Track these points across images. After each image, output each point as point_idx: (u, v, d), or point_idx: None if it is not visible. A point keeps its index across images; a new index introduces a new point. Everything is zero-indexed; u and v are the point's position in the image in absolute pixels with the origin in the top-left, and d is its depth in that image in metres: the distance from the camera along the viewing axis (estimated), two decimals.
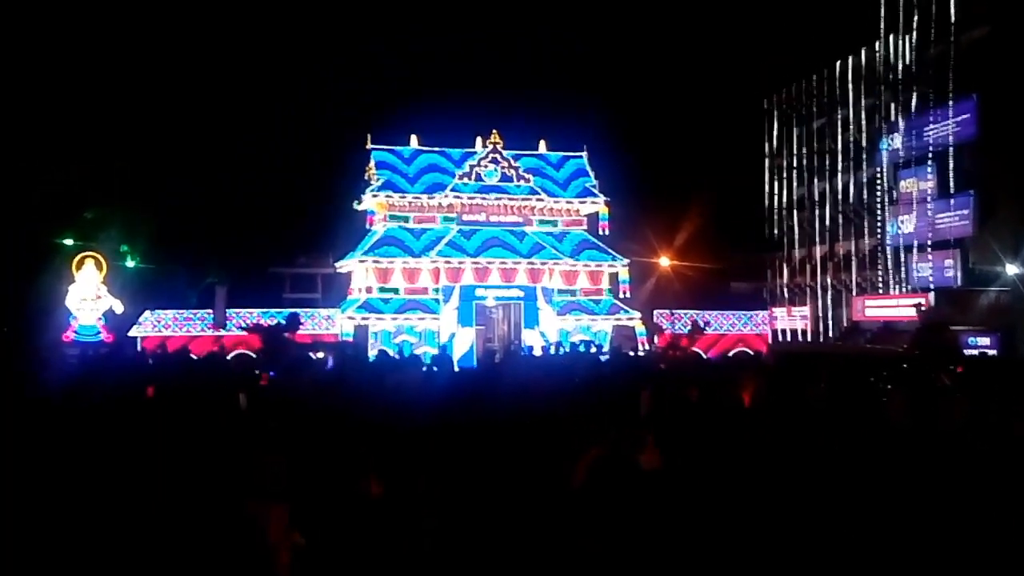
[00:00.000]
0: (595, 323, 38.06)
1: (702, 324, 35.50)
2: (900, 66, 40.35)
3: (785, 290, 48.49)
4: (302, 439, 6.15)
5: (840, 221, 44.79)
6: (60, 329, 34.12)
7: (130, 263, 40.35)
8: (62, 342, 32.30)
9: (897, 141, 40.03)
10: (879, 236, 41.48)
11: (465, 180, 38.24)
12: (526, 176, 38.93)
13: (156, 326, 36.36)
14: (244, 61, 55.04)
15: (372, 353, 28.64)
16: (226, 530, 5.05)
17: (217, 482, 5.54)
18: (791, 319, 45.53)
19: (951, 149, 36.65)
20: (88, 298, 35.29)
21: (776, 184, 50.63)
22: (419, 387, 8.76)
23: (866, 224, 42.70)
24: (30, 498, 5.29)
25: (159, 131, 48.64)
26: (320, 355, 21.43)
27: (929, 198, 37.60)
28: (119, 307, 35.65)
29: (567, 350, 28.05)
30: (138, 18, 53.42)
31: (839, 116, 45.00)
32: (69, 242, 38.85)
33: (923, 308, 33.34)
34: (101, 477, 5.70)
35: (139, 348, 33.67)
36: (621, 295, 39.05)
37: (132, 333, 35.82)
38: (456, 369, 21.00)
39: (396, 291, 37.02)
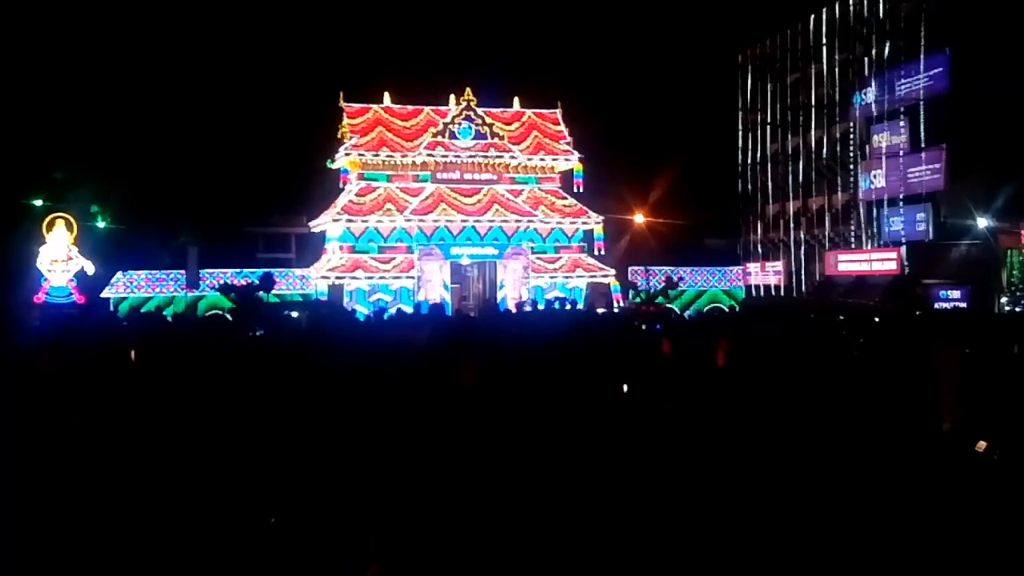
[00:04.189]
0: (570, 280, 38.17)
1: (676, 279, 35.72)
2: (874, 20, 40.31)
3: (759, 245, 48.66)
4: (293, 388, 6.20)
5: (813, 176, 44.88)
6: (31, 291, 33.87)
7: (101, 224, 39.96)
8: (33, 304, 32.08)
9: (870, 95, 40.06)
10: (852, 191, 41.65)
11: (439, 138, 38.07)
12: (500, 133, 38.79)
13: (128, 287, 36.14)
14: (215, 18, 54.28)
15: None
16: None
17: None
18: (764, 274, 45.75)
19: (923, 103, 36.75)
20: (59, 259, 35.05)
21: (750, 139, 50.65)
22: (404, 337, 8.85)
23: (839, 179, 42.84)
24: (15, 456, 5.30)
25: (130, 90, 48.05)
26: (295, 314, 21.40)
27: (901, 152, 37.74)
28: (91, 268, 35.44)
29: (542, 308, 28.11)
30: None
31: (813, 70, 44.95)
32: (39, 203, 38.41)
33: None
34: (81, 436, 5.70)
35: (112, 309, 33.51)
36: (596, 252, 39.14)
37: (104, 294, 35.61)
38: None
39: (371, 250, 36.94)
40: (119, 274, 36.25)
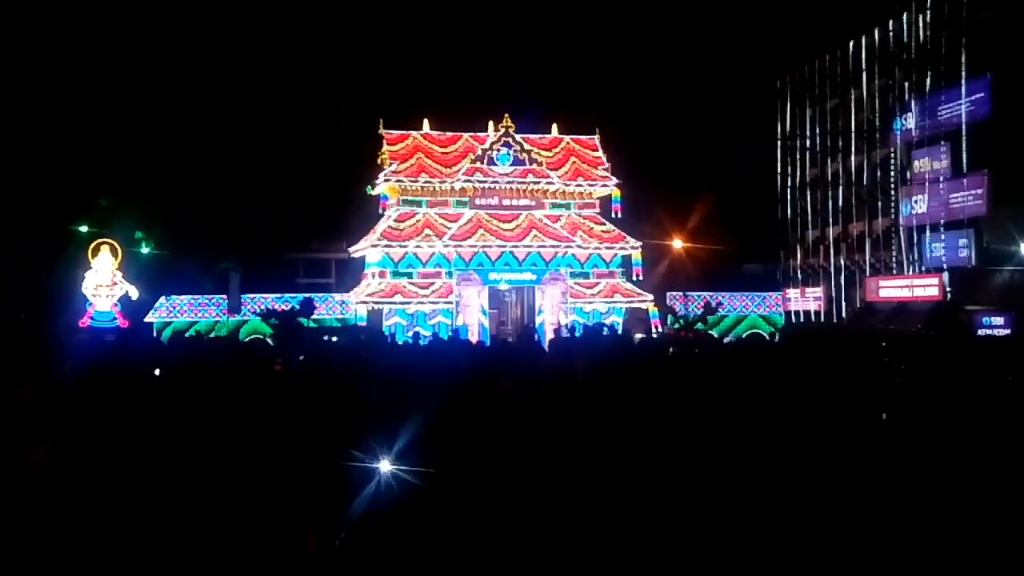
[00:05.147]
0: (608, 306, 38.13)
1: (714, 305, 35.57)
2: (914, 45, 40.14)
3: (799, 271, 48.37)
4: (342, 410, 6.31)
5: (853, 201, 44.61)
6: (77, 315, 34.42)
7: (145, 249, 40.57)
8: (78, 328, 32.60)
9: (911, 121, 39.82)
10: (893, 216, 41.34)
11: (478, 164, 38.30)
12: (538, 159, 38.95)
13: (171, 312, 36.61)
14: (256, 47, 55.06)
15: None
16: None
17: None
18: (804, 300, 45.43)
19: (964, 128, 36.46)
20: (104, 284, 35.63)
21: (789, 164, 50.47)
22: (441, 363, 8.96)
23: (880, 204, 42.55)
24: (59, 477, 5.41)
25: (173, 118, 48.80)
26: (335, 339, 21.61)
27: (942, 178, 37.44)
28: (134, 293, 35.99)
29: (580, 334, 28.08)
30: (153, 7, 53.44)
31: (853, 96, 44.77)
32: (84, 229, 39.10)
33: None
34: (123, 457, 5.82)
35: (155, 333, 33.96)
36: (634, 277, 39.10)
37: (148, 319, 36.11)
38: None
39: (410, 275, 37.14)
40: (162, 299, 36.75)
